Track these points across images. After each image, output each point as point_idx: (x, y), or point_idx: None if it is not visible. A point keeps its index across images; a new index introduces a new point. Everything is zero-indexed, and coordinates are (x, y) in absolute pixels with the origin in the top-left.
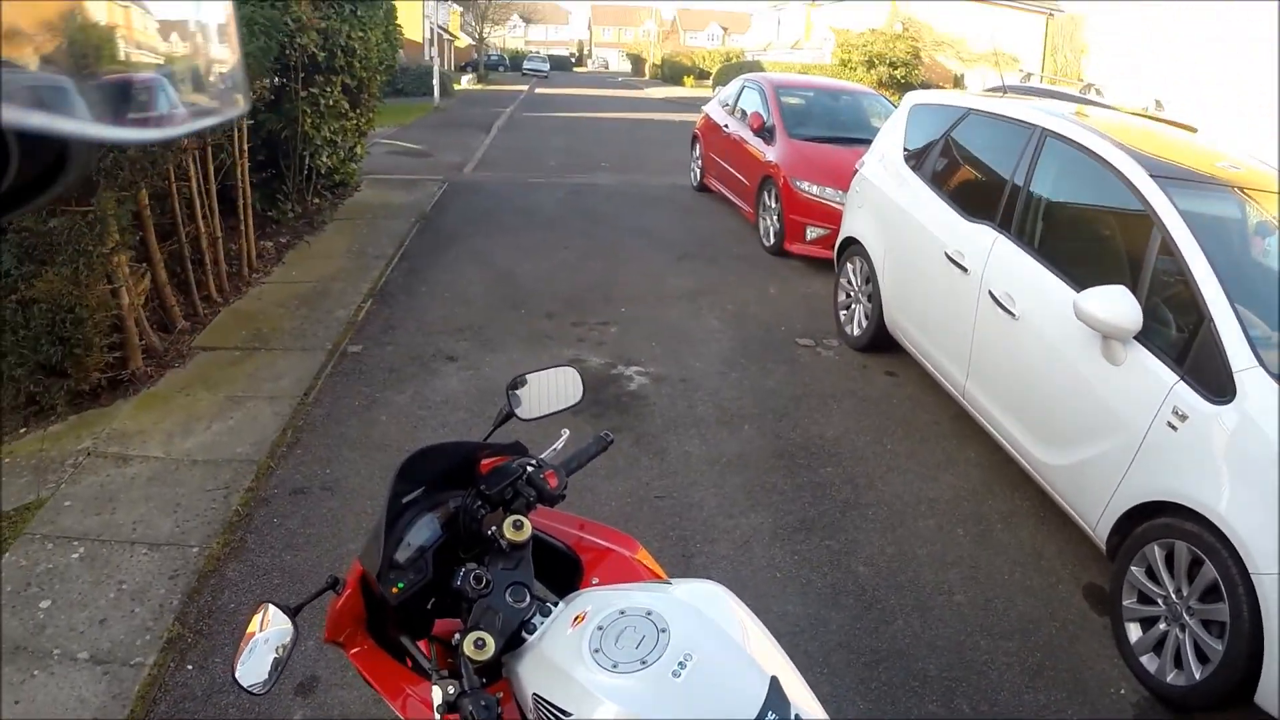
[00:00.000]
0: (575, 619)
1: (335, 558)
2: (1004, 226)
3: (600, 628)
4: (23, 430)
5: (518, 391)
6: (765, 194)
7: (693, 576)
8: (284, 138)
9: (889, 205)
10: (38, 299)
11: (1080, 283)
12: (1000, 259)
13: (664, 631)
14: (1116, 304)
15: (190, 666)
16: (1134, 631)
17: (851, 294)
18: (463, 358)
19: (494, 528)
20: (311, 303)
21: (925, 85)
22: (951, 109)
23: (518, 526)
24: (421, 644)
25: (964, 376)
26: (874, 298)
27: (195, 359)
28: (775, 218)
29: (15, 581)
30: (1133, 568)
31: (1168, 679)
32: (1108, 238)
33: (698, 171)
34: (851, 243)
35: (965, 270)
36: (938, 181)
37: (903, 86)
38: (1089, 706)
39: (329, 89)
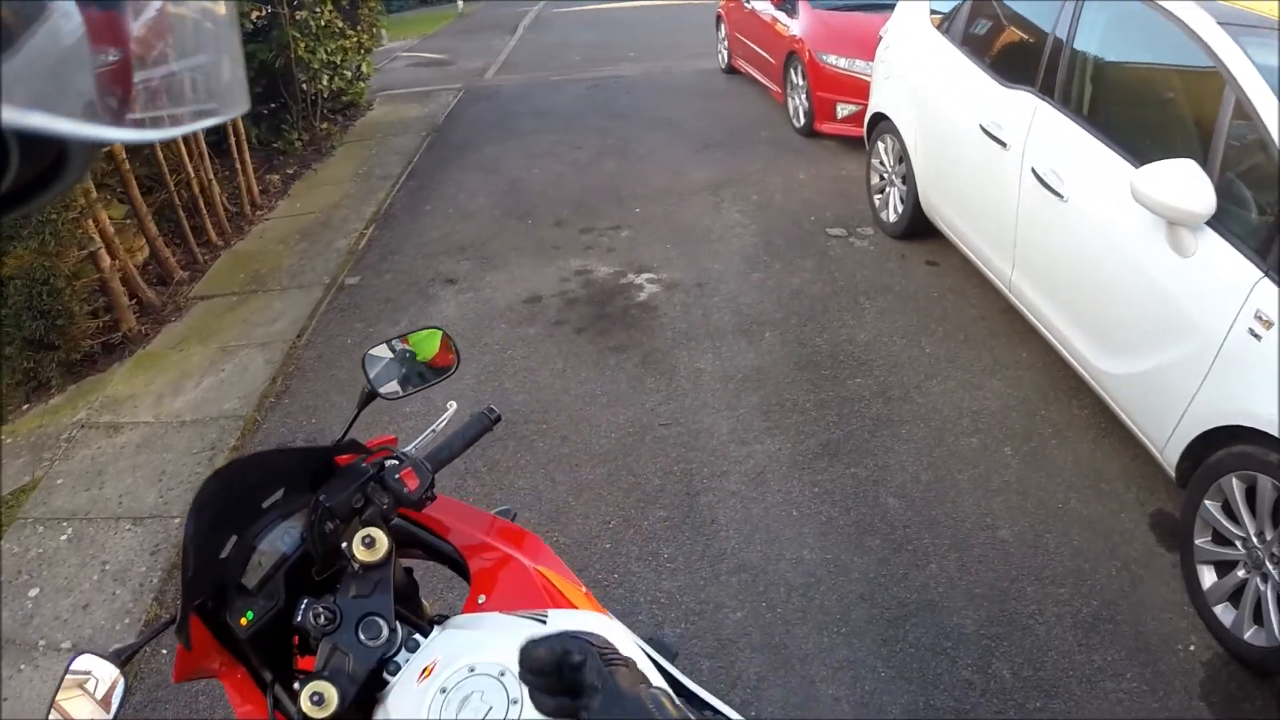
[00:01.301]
0: (424, 671)
1: None
2: (1046, 91)
3: (444, 690)
4: (25, 406)
5: (376, 367)
6: (791, 71)
7: (696, 520)
8: (278, 67)
9: (918, 75)
10: (12, 275)
11: (1139, 156)
12: (1043, 130)
13: (514, 703)
14: (1182, 182)
15: (164, 651)
16: (1207, 576)
17: (885, 176)
18: (462, 279)
19: (345, 544)
20: (313, 235)
21: None
22: None
23: (369, 544)
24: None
25: (1010, 268)
26: (908, 179)
27: (193, 310)
28: (803, 96)
29: (8, 570)
30: (1206, 501)
31: (1245, 636)
32: (1170, 101)
33: (725, 53)
34: (881, 119)
35: (1004, 145)
36: (970, 44)
37: None
38: (1151, 667)
39: (319, 9)
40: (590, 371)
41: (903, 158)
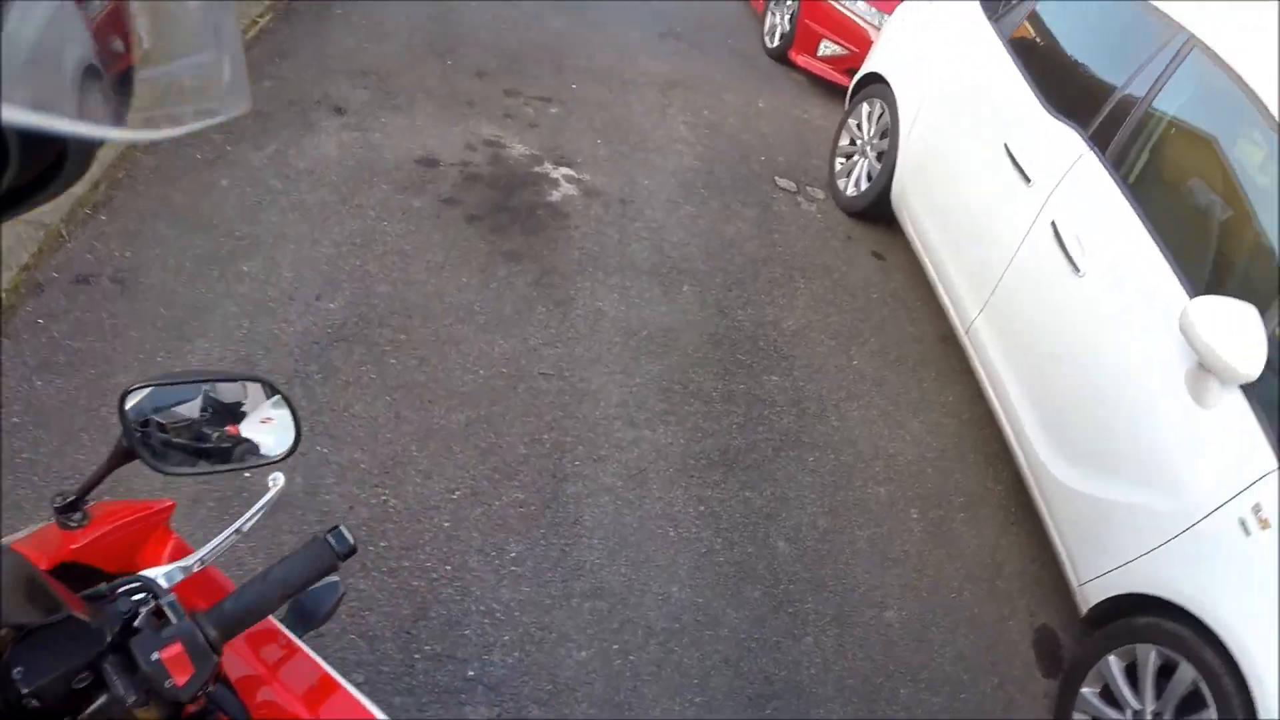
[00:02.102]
0: None
1: (94, 393)
2: (1098, 143)
3: None
4: None
5: (149, 415)
6: None
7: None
8: None
9: (944, 51)
10: None
11: (1191, 275)
12: (1081, 184)
13: None
14: (1237, 331)
15: None
16: None
17: (859, 143)
18: (353, 112)
19: None
20: None
21: None
22: None
23: None
24: None
25: (976, 310)
26: (886, 157)
27: None
28: (787, 17)
29: None
30: (1112, 657)
31: None
32: (1250, 223)
33: None
34: (876, 80)
35: (1027, 179)
36: (1021, 48)
37: None
38: None
39: None
40: (474, 277)
41: (887, 133)
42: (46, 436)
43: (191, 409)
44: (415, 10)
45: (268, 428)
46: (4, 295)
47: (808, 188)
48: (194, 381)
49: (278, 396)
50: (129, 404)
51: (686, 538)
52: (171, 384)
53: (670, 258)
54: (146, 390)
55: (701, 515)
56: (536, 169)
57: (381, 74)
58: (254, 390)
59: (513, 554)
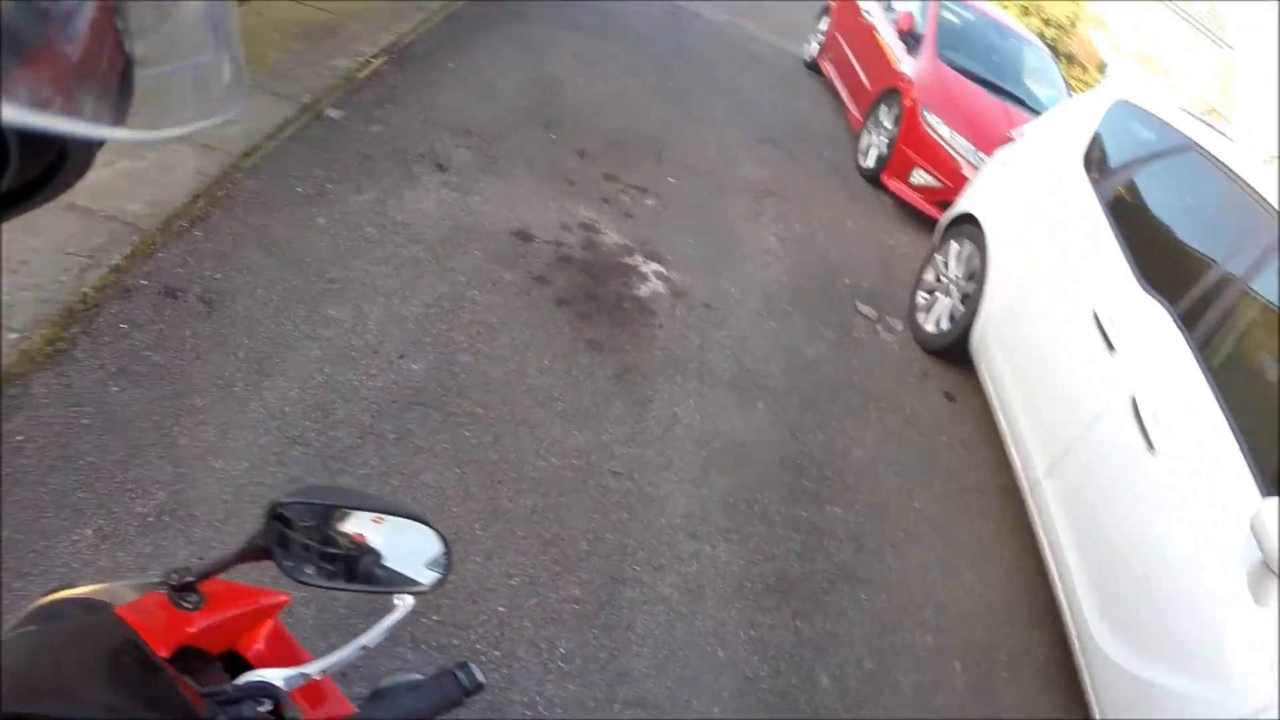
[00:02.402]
0: None
1: (168, 411)
2: (1188, 323)
3: None
4: None
5: (293, 519)
6: (883, 107)
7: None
8: None
9: (1041, 204)
10: None
11: (1267, 472)
12: (1166, 362)
13: None
14: None
15: None
16: None
17: (944, 281)
18: (455, 171)
19: None
20: (314, 38)
21: (1070, 58)
22: (1168, 130)
23: None
24: None
25: (1044, 471)
26: (970, 300)
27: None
28: (884, 140)
29: None
30: None
31: None
32: None
33: (815, 47)
34: (968, 220)
35: (1112, 348)
36: (1118, 212)
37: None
38: None
39: None
40: (556, 362)
41: (974, 276)
42: (114, 444)
43: (338, 524)
44: (523, 76)
45: (413, 556)
46: (90, 293)
47: (888, 317)
48: (353, 507)
49: (435, 533)
50: (278, 511)
51: (734, 660)
52: (327, 505)
53: (749, 371)
54: (298, 504)
55: (751, 640)
56: (627, 260)
57: (485, 136)
58: (410, 524)
59: (562, 650)
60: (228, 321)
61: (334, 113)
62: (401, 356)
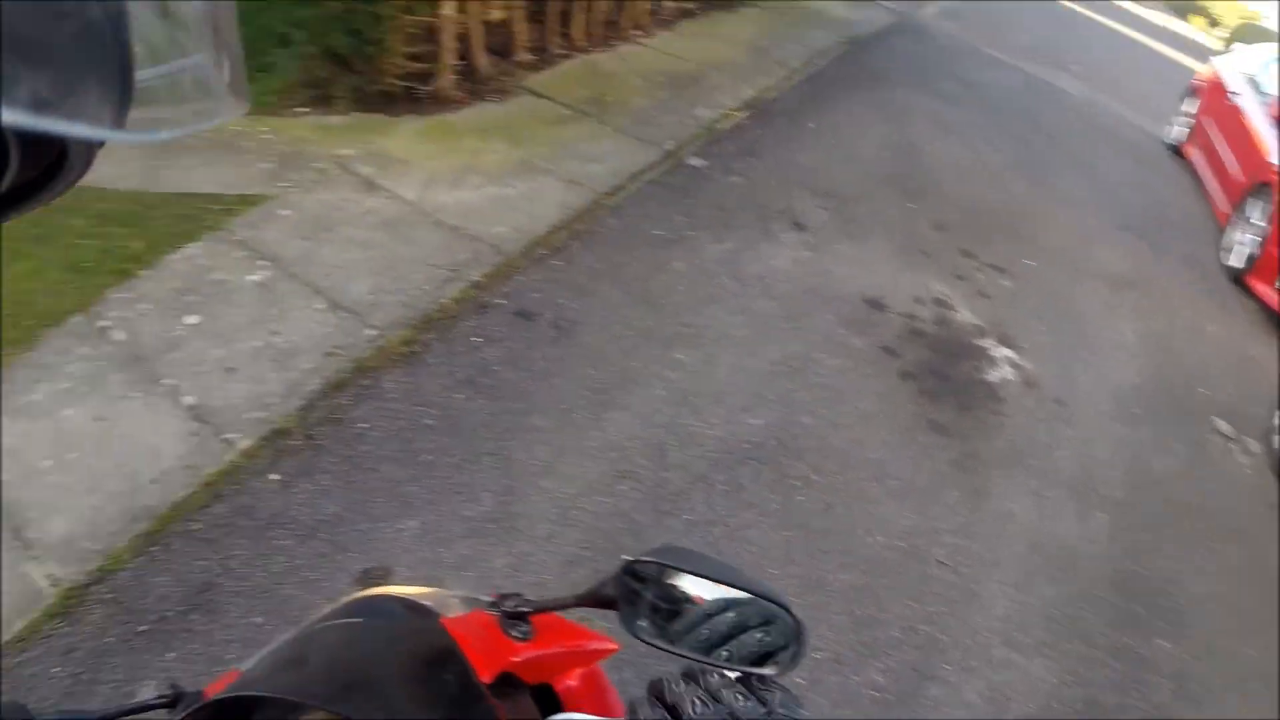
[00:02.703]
0: None
1: (507, 426)
2: None
3: None
4: (303, 110)
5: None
6: (1255, 202)
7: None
8: None
9: None
10: None
11: None
12: None
13: None
14: None
15: (274, 476)
16: None
17: None
18: (812, 231)
19: None
20: (678, 87)
21: None
22: None
23: None
24: None
25: None
26: None
27: (516, 100)
28: (1256, 239)
29: (179, 279)
30: None
31: None
32: None
33: (1178, 130)
34: None
35: None
36: None
37: None
38: None
39: None
40: (896, 437)
41: None
42: (453, 447)
43: (688, 588)
44: (883, 139)
45: (763, 638)
46: (449, 304)
47: (1245, 437)
48: (710, 577)
49: (793, 621)
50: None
51: None
52: (682, 569)
53: (1093, 477)
54: (654, 564)
55: None
56: (979, 342)
57: (843, 198)
58: (769, 606)
59: None
60: (577, 350)
61: (695, 161)
62: (744, 410)
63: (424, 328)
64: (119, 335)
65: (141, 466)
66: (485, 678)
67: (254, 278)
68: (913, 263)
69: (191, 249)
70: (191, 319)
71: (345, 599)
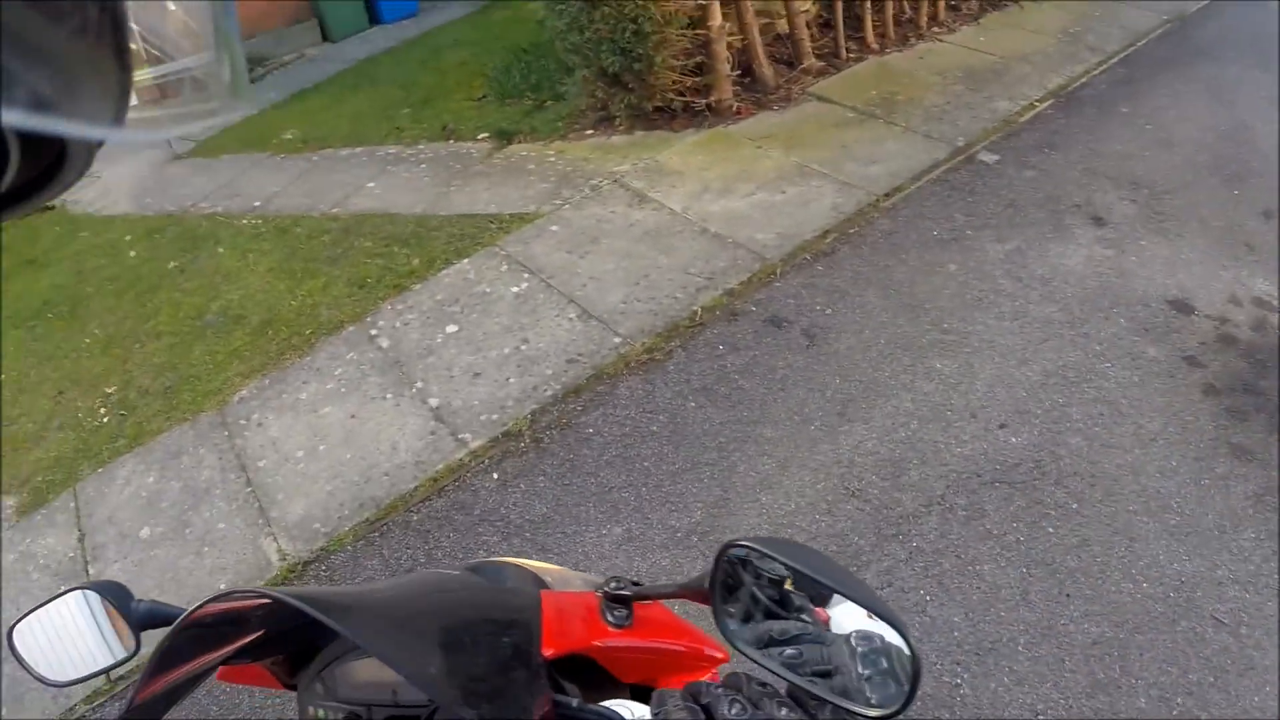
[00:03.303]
0: None
1: (735, 436)
2: None
3: None
4: (589, 132)
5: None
6: None
7: None
8: None
9: None
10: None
11: None
12: None
13: None
14: None
15: (495, 475)
16: None
17: None
18: (1112, 225)
19: None
20: (977, 80)
21: None
22: None
23: None
24: None
25: None
26: None
27: (799, 106)
28: None
29: (448, 292)
30: None
31: None
32: None
33: None
34: None
35: None
36: None
37: None
38: None
39: None
40: (1185, 464)
41: None
42: (673, 455)
43: (798, 589)
44: (1207, 122)
45: (871, 664)
46: (699, 312)
47: None
48: (824, 581)
49: (911, 653)
50: (730, 554)
51: None
52: (793, 567)
53: None
54: (757, 551)
55: None
56: None
57: (1154, 188)
58: (884, 628)
59: None
60: (824, 358)
61: (987, 156)
62: (1002, 426)
63: (669, 335)
64: (384, 342)
65: (379, 460)
66: (554, 651)
67: (515, 289)
68: (1233, 257)
69: (463, 264)
70: (451, 328)
71: (477, 560)
